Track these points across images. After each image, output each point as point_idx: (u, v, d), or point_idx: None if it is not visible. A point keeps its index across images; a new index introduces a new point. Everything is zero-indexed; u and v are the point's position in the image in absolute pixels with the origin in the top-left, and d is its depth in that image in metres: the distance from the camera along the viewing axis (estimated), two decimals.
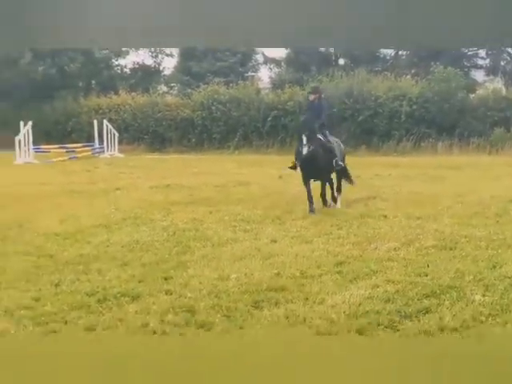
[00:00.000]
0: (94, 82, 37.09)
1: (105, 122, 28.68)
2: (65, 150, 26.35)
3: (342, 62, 36.37)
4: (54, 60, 33.05)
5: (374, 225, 9.89)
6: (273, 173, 18.00)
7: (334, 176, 12.09)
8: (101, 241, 8.89)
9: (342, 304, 5.86)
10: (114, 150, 28.84)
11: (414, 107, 28.73)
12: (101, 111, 32.12)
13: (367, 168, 19.03)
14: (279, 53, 37.34)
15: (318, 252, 8.01)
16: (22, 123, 24.80)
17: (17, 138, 24.50)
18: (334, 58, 36.13)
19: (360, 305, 5.83)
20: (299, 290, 6.34)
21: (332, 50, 35.54)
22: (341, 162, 11.66)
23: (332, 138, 11.97)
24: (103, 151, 28.15)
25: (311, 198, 11.23)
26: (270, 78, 37.60)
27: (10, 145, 25.84)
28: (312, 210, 11.06)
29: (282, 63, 37.85)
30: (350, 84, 29.93)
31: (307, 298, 6.07)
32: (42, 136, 28.32)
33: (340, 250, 8.15)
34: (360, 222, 10.10)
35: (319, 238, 8.89)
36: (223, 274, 6.99)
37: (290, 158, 12.11)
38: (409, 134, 28.27)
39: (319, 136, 11.36)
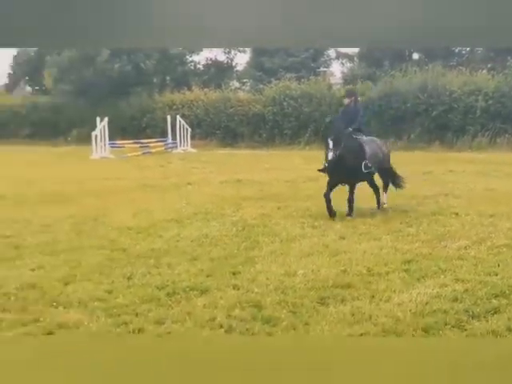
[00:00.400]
0: (168, 78, 37.64)
1: (178, 117, 29.10)
2: (139, 145, 26.87)
3: (416, 56, 35.76)
4: (130, 57, 33.68)
5: (444, 222, 9.75)
6: None
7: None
8: (172, 235, 9.08)
9: (408, 302, 5.83)
10: (187, 145, 29.24)
11: (490, 102, 27.98)
12: (174, 107, 32.61)
13: (441, 164, 18.75)
14: (352, 48, 37.01)
15: (385, 249, 7.98)
16: (98, 119, 25.41)
17: (93, 134, 25.12)
18: (407, 52, 35.54)
19: (427, 303, 5.79)
20: (365, 288, 6.35)
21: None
22: (370, 165, 10.60)
23: (368, 139, 11.01)
24: (176, 146, 28.57)
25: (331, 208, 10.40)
26: (342, 73, 37.32)
27: (87, 140, 26.64)
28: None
29: (355, 58, 37.46)
30: (423, 79, 29.39)
31: (373, 296, 6.07)
32: (118, 131, 29.02)
33: (409, 247, 8.08)
34: (430, 220, 9.97)
35: (388, 236, 8.83)
36: (290, 269, 7.05)
37: None
38: (484, 130, 27.56)
39: (349, 139, 10.47)
